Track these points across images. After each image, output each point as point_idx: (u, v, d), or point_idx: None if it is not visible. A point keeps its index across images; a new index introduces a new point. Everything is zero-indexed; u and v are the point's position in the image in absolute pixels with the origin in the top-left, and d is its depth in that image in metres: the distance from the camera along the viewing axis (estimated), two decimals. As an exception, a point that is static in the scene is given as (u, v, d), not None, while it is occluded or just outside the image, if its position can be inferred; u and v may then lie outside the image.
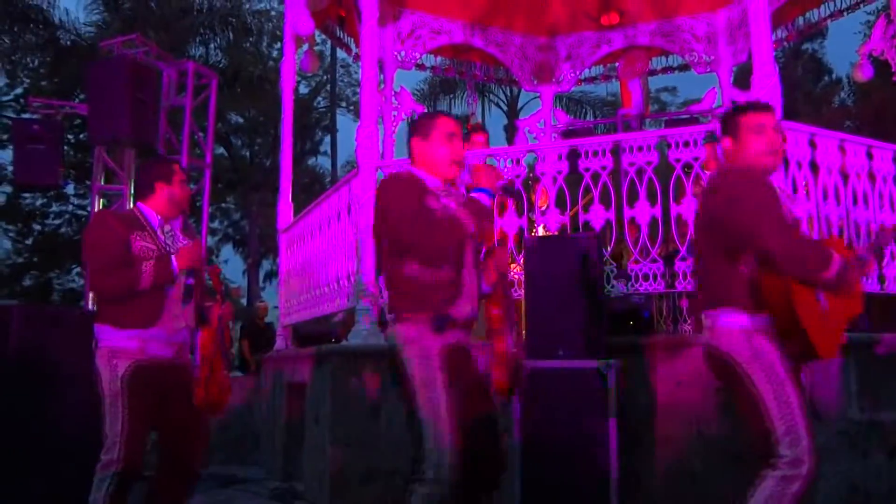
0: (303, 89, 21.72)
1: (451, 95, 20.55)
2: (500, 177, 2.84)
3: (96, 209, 7.59)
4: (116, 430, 3.08)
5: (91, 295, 7.25)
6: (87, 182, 12.09)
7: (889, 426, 3.93)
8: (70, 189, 17.85)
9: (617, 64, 7.58)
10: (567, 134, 6.69)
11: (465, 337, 2.79)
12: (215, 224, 22.87)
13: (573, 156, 4.61)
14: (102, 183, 7.64)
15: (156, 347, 3.21)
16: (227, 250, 24.40)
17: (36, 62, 16.96)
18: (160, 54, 7.15)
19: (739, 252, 2.59)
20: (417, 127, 2.88)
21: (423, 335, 2.67)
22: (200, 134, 7.60)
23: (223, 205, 23.02)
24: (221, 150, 21.07)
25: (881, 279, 4.41)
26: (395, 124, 6.91)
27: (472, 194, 2.75)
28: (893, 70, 6.06)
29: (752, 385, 2.55)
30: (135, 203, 3.45)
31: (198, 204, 8.18)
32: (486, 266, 2.89)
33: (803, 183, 4.23)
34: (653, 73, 7.79)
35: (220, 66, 17.01)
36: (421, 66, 7.68)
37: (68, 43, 16.02)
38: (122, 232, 3.16)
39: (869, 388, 3.91)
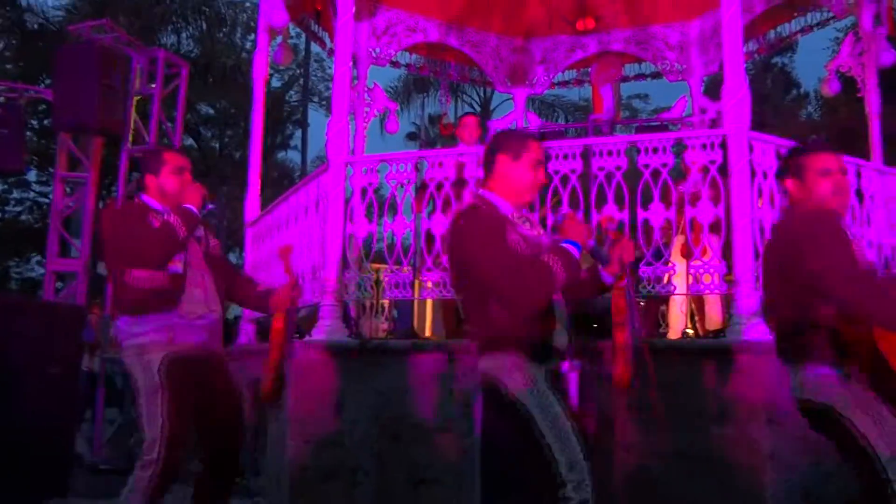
0: (275, 82, 21.56)
1: (425, 94, 20.55)
2: (590, 234, 2.70)
3: (59, 197, 7.43)
4: (156, 428, 2.98)
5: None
6: (50, 169, 11.87)
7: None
8: (32, 176, 17.51)
9: (590, 69, 7.63)
10: (538, 137, 6.71)
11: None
12: (182, 215, 22.51)
13: (544, 158, 4.62)
14: (66, 171, 7.49)
15: (183, 334, 3.11)
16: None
17: (1, 45, 16.60)
18: (130, 41, 7.02)
19: (814, 300, 2.52)
20: (506, 144, 2.72)
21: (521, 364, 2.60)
22: (169, 124, 7.48)
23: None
24: (190, 141, 20.81)
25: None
26: (367, 121, 6.87)
27: (563, 245, 2.58)
28: (859, 86, 6.19)
29: (855, 428, 2.48)
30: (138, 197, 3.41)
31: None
32: (611, 257, 2.76)
33: (768, 192, 4.29)
34: (625, 79, 7.85)
35: (192, 55, 16.81)
36: (395, 64, 7.65)
37: (35, 27, 15.71)
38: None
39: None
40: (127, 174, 7.07)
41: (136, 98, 7.02)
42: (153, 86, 6.98)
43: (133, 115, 6.98)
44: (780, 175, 2.82)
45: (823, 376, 2.55)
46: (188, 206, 3.26)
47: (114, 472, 5.93)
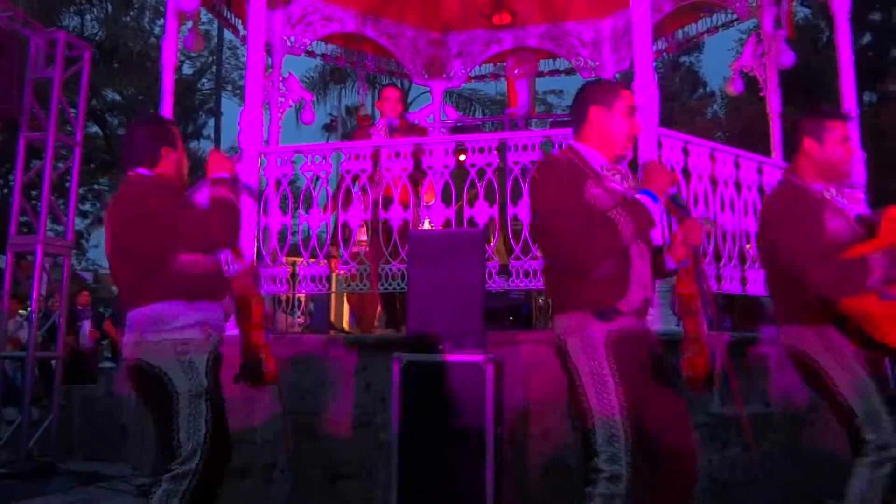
0: (186, 69, 20.90)
1: (342, 85, 20.33)
2: (675, 181, 2.59)
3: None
4: (200, 436, 2.64)
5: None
6: (-59, 155, 11.17)
7: (746, 419, 4.18)
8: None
9: (506, 63, 7.70)
10: (455, 130, 6.73)
11: (637, 323, 2.56)
12: (86, 207, 21.64)
13: (461, 151, 4.65)
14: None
15: (216, 328, 2.82)
16: (100, 234, 23.13)
17: None
18: (28, 21, 6.64)
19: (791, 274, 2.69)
20: (598, 95, 2.61)
21: (586, 324, 2.47)
22: (71, 110, 7.15)
23: (95, 186, 21.80)
24: (96, 128, 19.95)
25: (743, 281, 4.68)
26: (282, 111, 6.72)
27: (638, 196, 2.49)
28: (761, 86, 6.45)
29: (827, 376, 2.68)
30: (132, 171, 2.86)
31: (66, 185, 7.70)
32: (674, 240, 2.62)
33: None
34: (540, 75, 7.95)
35: (97, 39, 16.09)
36: (311, 54, 7.52)
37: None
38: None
39: (728, 384, 4.13)
40: (25, 161, 6.70)
41: (34, 82, 6.66)
42: (52, 69, 6.64)
43: (31, 100, 6.62)
44: (799, 134, 2.84)
45: (803, 331, 2.75)
46: (222, 175, 2.85)
47: (11, 476, 5.64)
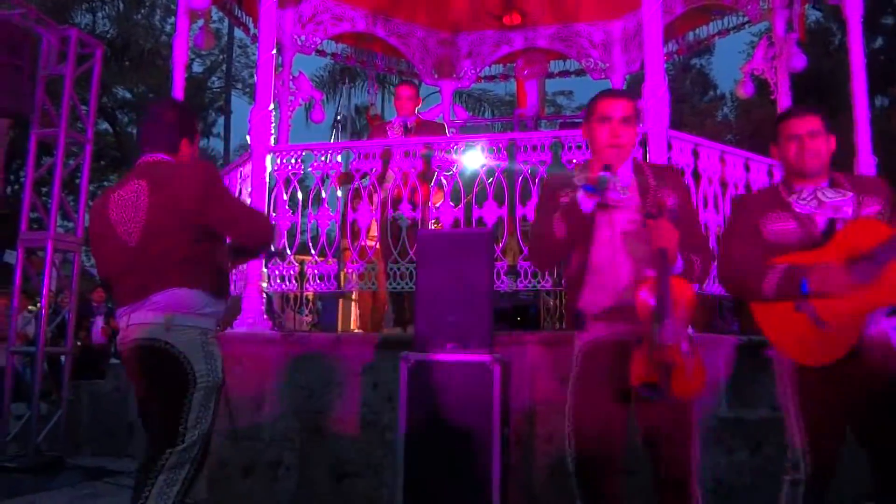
0: (197, 67, 21.00)
1: (352, 85, 20.32)
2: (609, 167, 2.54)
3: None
4: (205, 427, 2.65)
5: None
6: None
7: (752, 424, 4.17)
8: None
9: (515, 64, 7.70)
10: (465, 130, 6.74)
11: (615, 330, 2.53)
12: (96, 203, 21.71)
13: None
14: (-31, 152, 7.11)
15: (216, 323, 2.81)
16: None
17: None
18: (40, 18, 6.68)
19: None
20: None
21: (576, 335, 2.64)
22: (83, 107, 7.19)
23: (105, 183, 21.90)
24: (106, 125, 20.06)
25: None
26: (291, 109, 6.75)
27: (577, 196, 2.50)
28: (772, 89, 6.43)
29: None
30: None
31: (76, 181, 7.74)
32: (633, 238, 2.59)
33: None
34: (550, 75, 7.95)
35: (108, 36, 16.17)
36: (321, 53, 7.54)
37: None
38: None
39: (736, 388, 4.13)
40: (36, 158, 6.73)
41: (46, 79, 6.70)
42: (64, 66, 6.67)
43: (43, 97, 6.66)
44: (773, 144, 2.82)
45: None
46: None
47: (20, 470, 5.67)
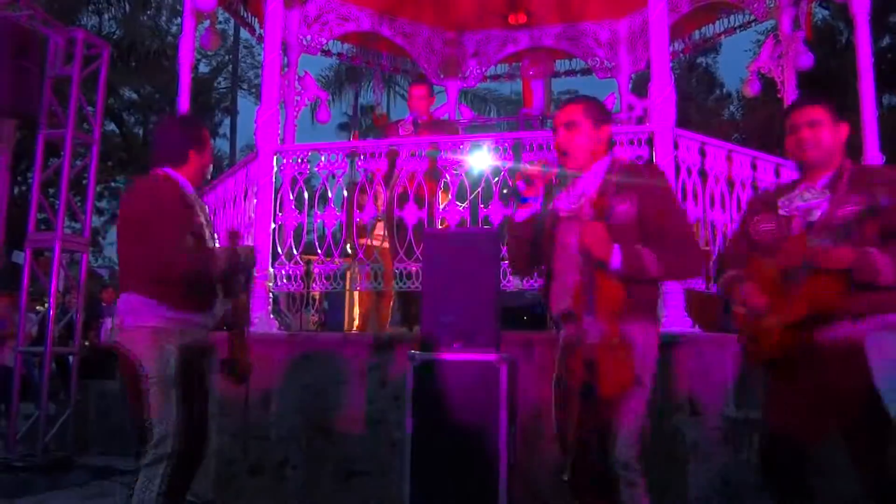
0: (203, 68, 21.05)
1: (357, 84, 20.35)
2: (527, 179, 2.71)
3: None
4: (171, 421, 2.76)
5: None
6: (-39, 152, 11.27)
7: (760, 424, 4.15)
8: (-59, 158, 16.58)
9: (521, 63, 7.69)
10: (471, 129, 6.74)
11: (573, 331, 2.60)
12: (103, 204, 21.83)
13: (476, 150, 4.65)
14: (-23, 153, 7.12)
15: (194, 326, 2.93)
16: (115, 232, 23.29)
17: None
18: (47, 20, 6.70)
19: None
20: None
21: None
22: (90, 108, 7.21)
23: (112, 184, 21.99)
24: (113, 126, 20.12)
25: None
26: (297, 109, 6.76)
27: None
28: (779, 87, 6.42)
29: None
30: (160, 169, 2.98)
31: (83, 182, 7.76)
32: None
33: (692, 188, 4.41)
34: (556, 75, 7.95)
35: (115, 37, 16.22)
36: (327, 53, 7.55)
37: (-56, 1, 14.86)
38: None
39: (744, 387, 4.12)
40: (43, 159, 6.76)
41: (53, 80, 6.73)
42: (71, 67, 6.70)
43: (50, 98, 6.68)
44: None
45: None
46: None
47: (29, 470, 5.70)
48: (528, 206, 2.65)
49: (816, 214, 2.55)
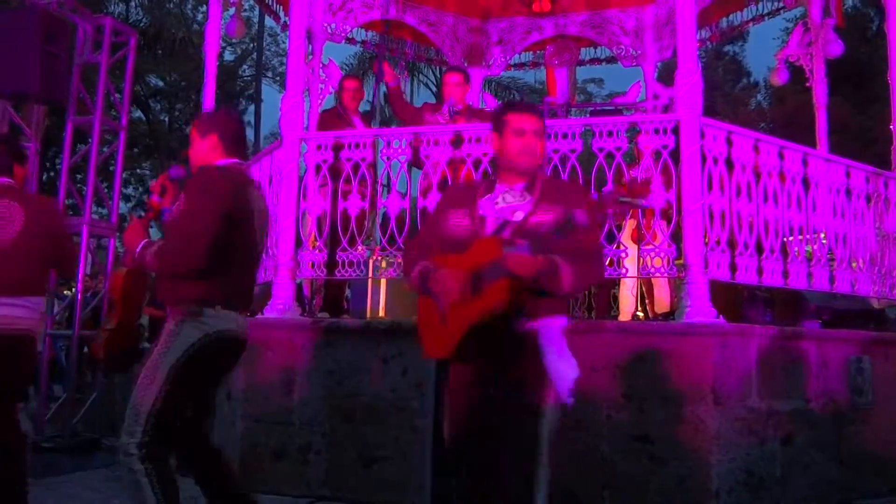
0: (228, 56, 21.15)
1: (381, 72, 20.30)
2: None
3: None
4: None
5: None
6: (-9, 138, 11.46)
7: (784, 415, 4.13)
8: (-28, 145, 16.84)
9: (545, 51, 7.64)
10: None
11: None
12: (129, 190, 22.07)
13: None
14: (7, 140, 7.23)
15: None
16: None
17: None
18: (75, 7, 6.77)
19: None
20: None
21: None
22: (117, 95, 7.30)
23: (138, 171, 22.22)
24: (139, 113, 20.30)
25: (784, 274, 4.60)
26: (321, 97, 6.77)
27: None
28: (807, 76, 6.33)
29: None
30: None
31: (111, 168, 7.86)
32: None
33: (718, 178, 4.36)
34: (581, 63, 7.89)
35: (141, 25, 16.34)
36: (351, 40, 7.55)
37: (-26, -11, 15.05)
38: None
39: (767, 379, 4.09)
40: (72, 145, 6.85)
41: (81, 67, 6.81)
42: (99, 54, 6.76)
43: (78, 84, 6.76)
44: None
45: None
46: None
47: (56, 451, 5.81)
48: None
49: (519, 217, 2.64)
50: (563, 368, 2.61)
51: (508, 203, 2.68)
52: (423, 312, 2.69)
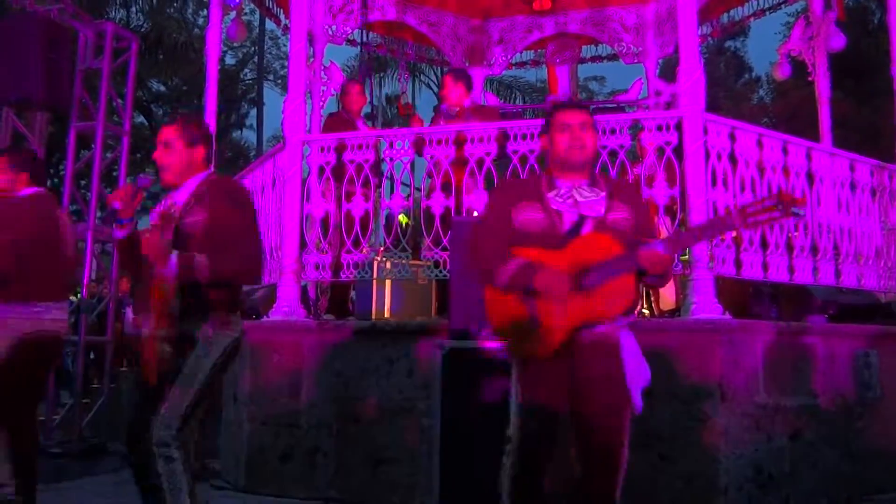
0: (229, 60, 21.19)
1: (382, 74, 20.33)
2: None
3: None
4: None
5: None
6: (-5, 146, 11.49)
7: (792, 411, 4.12)
8: (-25, 152, 16.90)
9: (546, 50, 7.63)
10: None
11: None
12: (133, 195, 22.05)
13: (503, 138, 4.62)
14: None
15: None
16: (144, 222, 23.56)
17: (-61, 15, 15.91)
18: (77, 13, 6.78)
19: None
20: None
21: None
22: (119, 100, 7.30)
23: (141, 176, 22.21)
24: (142, 118, 20.33)
25: (790, 269, 4.59)
26: (323, 99, 6.77)
27: None
28: (810, 70, 6.31)
29: None
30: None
31: (114, 174, 7.85)
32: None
33: (722, 174, 4.35)
34: (582, 61, 7.87)
35: (142, 30, 16.37)
36: (352, 42, 7.54)
37: (-24, -3, 15.09)
38: None
39: (775, 375, 4.08)
40: (75, 151, 6.85)
41: (83, 73, 6.82)
42: (101, 60, 6.77)
43: (81, 90, 6.77)
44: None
45: None
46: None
47: (64, 456, 5.82)
48: (124, 227, 2.88)
49: (599, 211, 2.65)
50: (640, 373, 2.60)
51: (586, 198, 2.67)
52: (509, 311, 2.62)
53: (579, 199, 2.67)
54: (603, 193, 2.68)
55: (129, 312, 10.22)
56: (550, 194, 2.69)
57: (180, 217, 2.86)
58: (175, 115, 3.13)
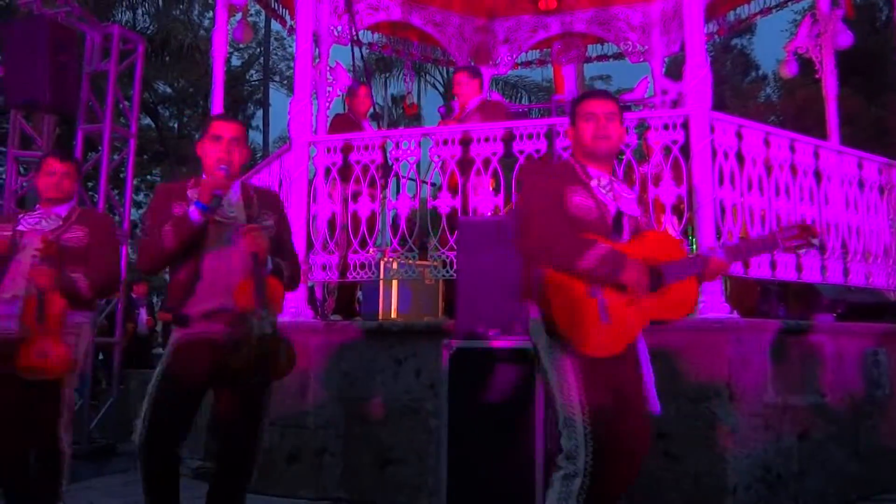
0: (235, 61, 21.21)
1: (388, 74, 20.36)
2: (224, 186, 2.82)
3: (12, 177, 7.23)
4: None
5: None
6: (2, 148, 11.54)
7: (800, 410, 4.10)
8: (-16, 155, 16.99)
9: (552, 49, 7.63)
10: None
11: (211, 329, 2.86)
12: (140, 197, 22.16)
13: (509, 138, 4.62)
14: (19, 150, 7.27)
15: None
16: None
17: (-53, 19, 16.00)
18: (84, 16, 6.81)
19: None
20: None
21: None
22: (126, 102, 7.32)
23: (149, 178, 22.33)
24: (148, 120, 20.40)
25: (798, 268, 4.57)
26: (329, 100, 6.78)
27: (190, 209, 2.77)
28: (817, 68, 6.28)
29: (545, 374, 2.58)
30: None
31: (121, 175, 7.90)
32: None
33: (729, 172, 4.34)
34: (588, 60, 7.87)
35: (148, 32, 16.41)
36: (357, 42, 7.55)
37: (-17, 0, 15.18)
38: None
39: (783, 373, 4.07)
40: (83, 153, 6.88)
41: (90, 75, 6.85)
42: (108, 62, 6.80)
43: (88, 93, 6.80)
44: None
45: (534, 319, 2.58)
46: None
47: (74, 457, 5.82)
48: (205, 214, 2.73)
49: (634, 211, 2.65)
50: (651, 374, 2.58)
51: (622, 196, 2.65)
52: (575, 301, 2.40)
53: (620, 193, 2.64)
54: (630, 190, 2.69)
55: (143, 313, 10.28)
56: (593, 183, 2.61)
57: (260, 219, 2.87)
58: (226, 114, 3.12)
